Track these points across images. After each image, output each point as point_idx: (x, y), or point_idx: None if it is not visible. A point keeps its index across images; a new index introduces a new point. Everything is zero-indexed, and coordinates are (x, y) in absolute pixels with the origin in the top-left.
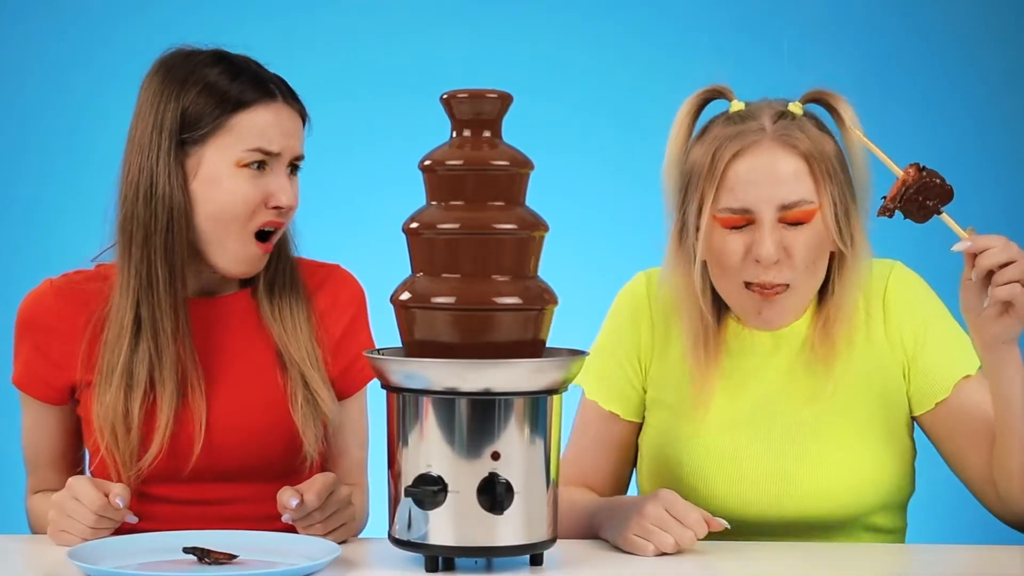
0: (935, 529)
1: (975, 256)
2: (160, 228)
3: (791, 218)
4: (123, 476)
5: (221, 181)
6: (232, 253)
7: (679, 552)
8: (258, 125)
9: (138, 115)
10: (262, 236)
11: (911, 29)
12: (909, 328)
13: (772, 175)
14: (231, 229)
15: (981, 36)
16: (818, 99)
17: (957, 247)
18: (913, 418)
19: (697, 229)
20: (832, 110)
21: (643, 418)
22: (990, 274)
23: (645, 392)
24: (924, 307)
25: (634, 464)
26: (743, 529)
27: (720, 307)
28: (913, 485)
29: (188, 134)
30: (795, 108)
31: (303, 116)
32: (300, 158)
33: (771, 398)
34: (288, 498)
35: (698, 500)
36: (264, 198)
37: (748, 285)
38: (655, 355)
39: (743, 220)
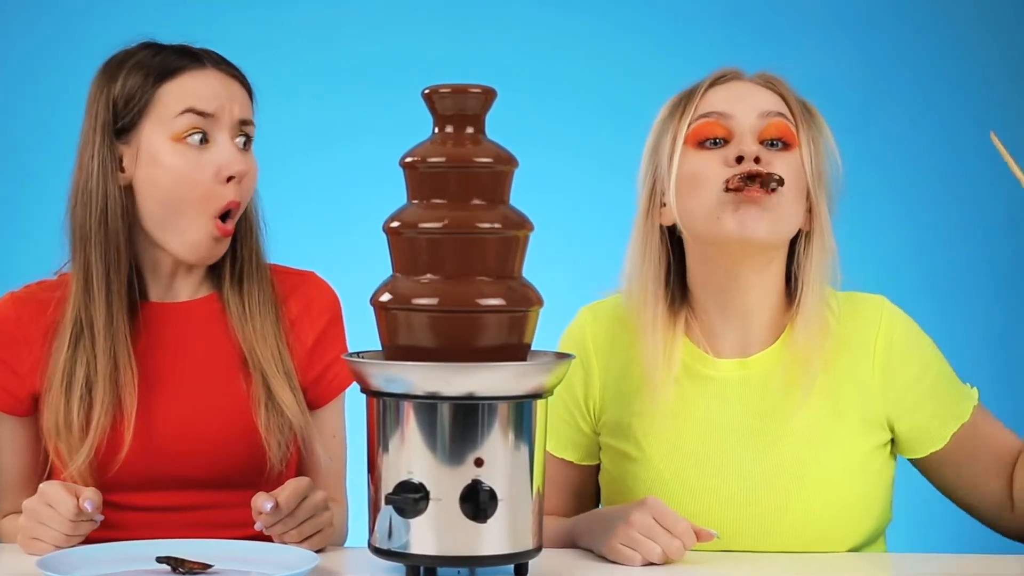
0: (911, 544)
1: None
2: (95, 223)
3: (773, 127)
4: (74, 480)
5: (161, 160)
6: (189, 237)
7: (667, 562)
8: (186, 89)
9: (82, 123)
10: (223, 217)
11: (910, 27)
12: (906, 380)
13: (752, 95)
14: (184, 213)
15: (982, 34)
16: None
17: None
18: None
19: (661, 198)
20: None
21: (599, 459)
22: None
23: (598, 435)
24: (919, 351)
25: (598, 499)
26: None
27: (678, 314)
28: (891, 512)
29: (121, 122)
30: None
31: (245, 85)
32: (247, 124)
33: (745, 438)
34: (263, 502)
35: None
36: (214, 173)
37: (728, 189)
38: (604, 393)
39: (719, 128)
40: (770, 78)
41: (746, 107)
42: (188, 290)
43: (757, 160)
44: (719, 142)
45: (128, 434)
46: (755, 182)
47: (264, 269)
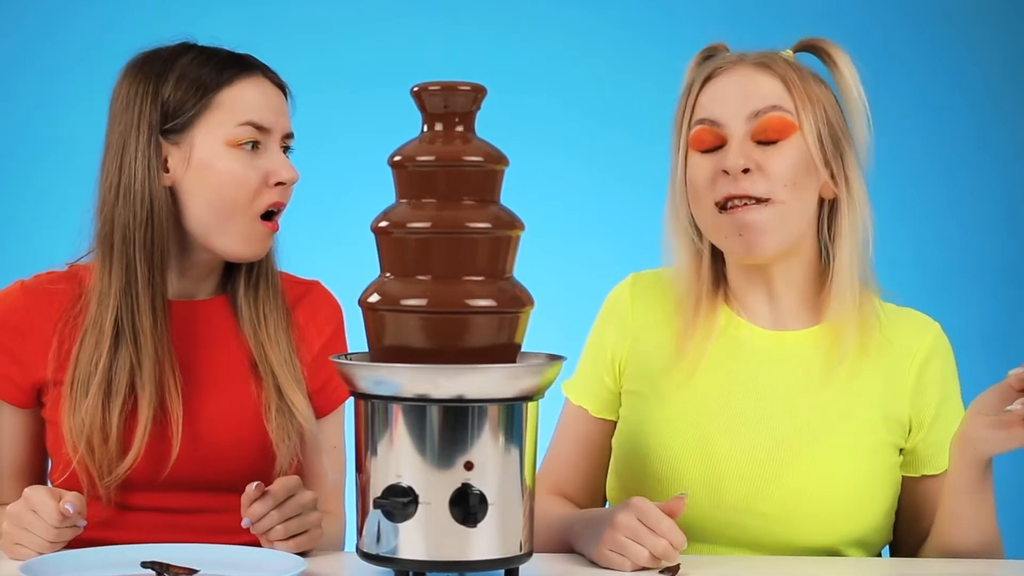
0: None
1: None
2: (139, 224)
3: (764, 129)
4: (99, 487)
5: (214, 164)
6: (238, 237)
7: (657, 564)
8: (246, 99)
9: (113, 121)
10: (267, 216)
11: (907, 24)
12: (933, 397)
13: (743, 90)
14: (233, 215)
15: (980, 31)
16: (811, 47)
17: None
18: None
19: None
20: (827, 57)
21: (616, 417)
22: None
23: (620, 390)
24: (951, 381)
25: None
26: (708, 534)
27: (718, 288)
28: (889, 536)
29: (173, 123)
30: (786, 55)
31: (285, 91)
32: (291, 136)
33: (763, 398)
34: (250, 485)
35: (665, 488)
36: (263, 177)
37: (720, 208)
38: (633, 350)
39: (712, 136)
40: (766, 59)
41: (736, 109)
42: (204, 291)
43: (746, 171)
44: (716, 148)
45: (176, 440)
46: (741, 201)
47: (276, 276)
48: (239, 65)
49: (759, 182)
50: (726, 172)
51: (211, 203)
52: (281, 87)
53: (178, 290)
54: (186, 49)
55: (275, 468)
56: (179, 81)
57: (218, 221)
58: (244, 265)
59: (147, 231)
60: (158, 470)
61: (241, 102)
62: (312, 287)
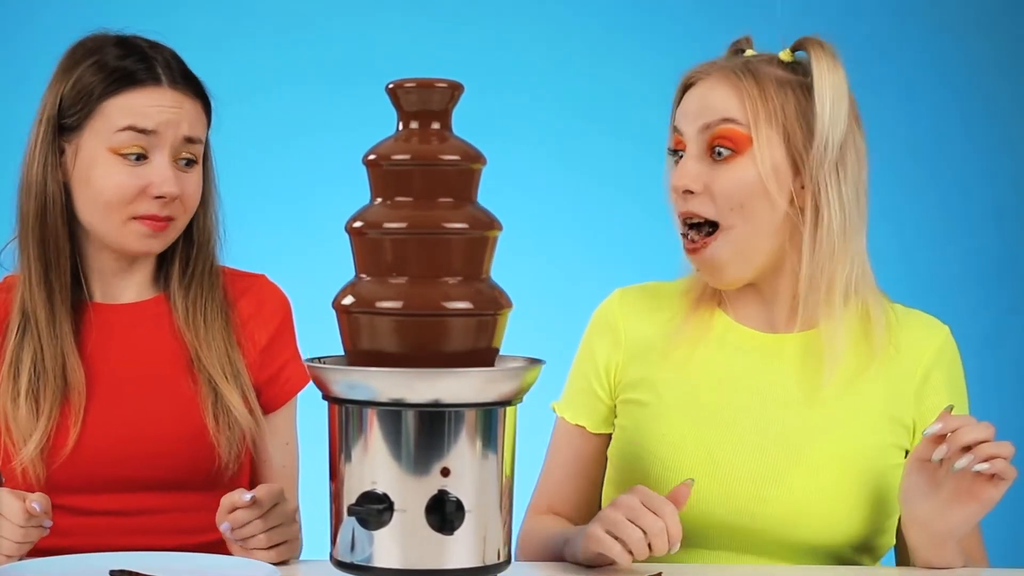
0: None
1: (941, 438)
2: (34, 216)
3: (714, 140)
4: (28, 473)
5: (96, 168)
6: (120, 238)
7: (646, 554)
8: (132, 106)
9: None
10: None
11: (894, 19)
12: (940, 401)
13: (700, 102)
14: (110, 219)
15: (968, 27)
16: (801, 45)
17: (931, 430)
18: None
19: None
20: (811, 55)
21: (613, 428)
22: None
23: (614, 403)
24: (957, 387)
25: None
26: (714, 539)
27: (715, 290)
28: (892, 540)
29: (66, 119)
30: (784, 56)
31: (201, 101)
32: (193, 142)
33: (764, 400)
34: (240, 495)
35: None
36: (143, 186)
37: (684, 231)
38: (628, 359)
39: (679, 142)
40: (735, 67)
41: (693, 119)
42: (133, 291)
43: (690, 192)
44: (681, 154)
45: (75, 428)
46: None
47: (216, 275)
48: (143, 72)
49: (706, 203)
50: (674, 188)
51: (92, 203)
52: (194, 98)
53: (103, 292)
54: (110, 46)
55: (219, 464)
56: (76, 82)
57: (99, 221)
58: (179, 262)
59: (39, 227)
60: (58, 454)
61: (126, 110)
62: (256, 280)
